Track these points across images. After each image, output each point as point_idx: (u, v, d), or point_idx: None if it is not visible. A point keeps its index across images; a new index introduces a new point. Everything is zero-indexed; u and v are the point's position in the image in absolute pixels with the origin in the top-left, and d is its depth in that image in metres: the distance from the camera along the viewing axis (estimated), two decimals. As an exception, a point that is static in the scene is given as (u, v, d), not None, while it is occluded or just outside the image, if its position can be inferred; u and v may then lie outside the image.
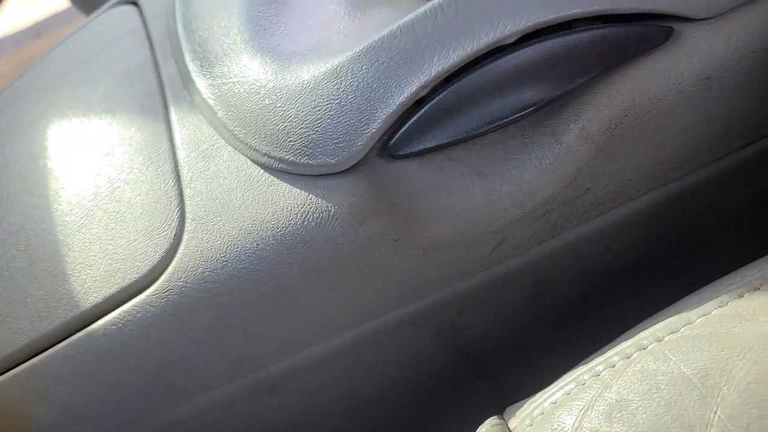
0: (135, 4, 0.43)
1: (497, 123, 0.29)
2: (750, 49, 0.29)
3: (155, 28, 0.39)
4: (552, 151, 0.30)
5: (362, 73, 0.28)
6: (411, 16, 0.28)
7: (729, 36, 0.29)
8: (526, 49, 0.28)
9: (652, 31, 0.29)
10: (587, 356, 0.29)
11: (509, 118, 0.29)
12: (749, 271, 0.28)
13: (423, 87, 0.28)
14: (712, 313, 0.26)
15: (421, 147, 0.29)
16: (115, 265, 0.32)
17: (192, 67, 0.34)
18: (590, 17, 0.28)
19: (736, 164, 0.33)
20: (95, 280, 0.32)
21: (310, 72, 0.30)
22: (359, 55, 0.29)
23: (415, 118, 0.29)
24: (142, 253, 0.32)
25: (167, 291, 0.31)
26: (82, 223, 0.34)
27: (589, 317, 0.37)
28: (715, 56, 0.29)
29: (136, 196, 0.33)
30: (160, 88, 0.36)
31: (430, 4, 0.28)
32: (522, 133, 0.31)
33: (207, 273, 0.31)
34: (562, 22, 0.28)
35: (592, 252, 0.34)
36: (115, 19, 0.42)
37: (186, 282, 0.31)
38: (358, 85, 0.29)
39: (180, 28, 0.36)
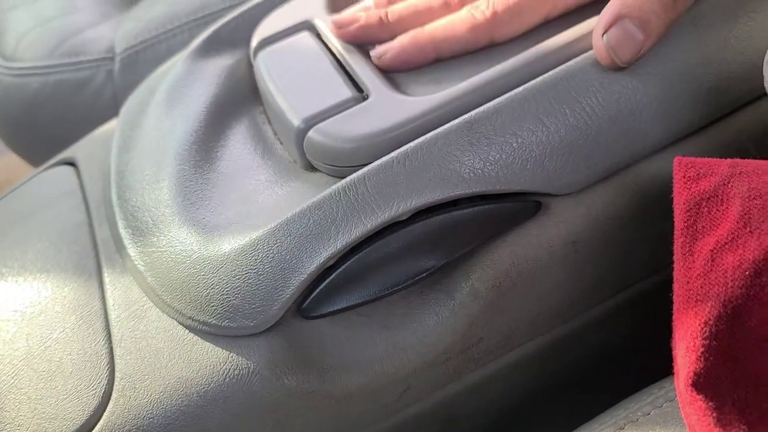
0: (73, 164, 0.46)
1: (397, 287, 0.33)
2: (607, 216, 0.35)
3: (91, 192, 0.42)
4: (447, 307, 0.34)
5: (277, 246, 0.32)
6: (319, 197, 0.33)
7: (589, 207, 0.34)
8: (418, 224, 0.33)
9: (524, 206, 0.34)
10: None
11: (407, 283, 0.33)
12: (629, 404, 0.32)
13: (330, 257, 0.32)
14: (593, 449, 0.30)
15: (331, 308, 0.33)
16: (44, 425, 0.34)
17: (124, 234, 0.37)
18: (472, 196, 0.33)
19: (609, 310, 0.38)
20: (24, 440, 0.34)
21: (231, 244, 0.33)
22: (275, 230, 0.33)
23: (324, 284, 0.33)
24: (71, 412, 0.34)
25: (95, 449, 0.33)
26: (13, 383, 0.35)
27: (494, 450, 0.40)
28: (579, 224, 0.34)
29: (67, 355, 0.35)
30: (94, 250, 0.39)
31: (335, 186, 0.33)
32: (420, 291, 0.35)
33: (134, 429, 0.33)
34: (448, 201, 0.33)
35: (492, 391, 0.38)
36: (53, 179, 0.46)
37: (113, 439, 0.33)
38: (273, 257, 0.32)
39: (114, 197, 0.39)
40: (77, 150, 0.47)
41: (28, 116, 0.60)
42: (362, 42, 0.39)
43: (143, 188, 0.38)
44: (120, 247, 0.37)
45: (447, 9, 0.38)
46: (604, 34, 0.32)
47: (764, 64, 0.29)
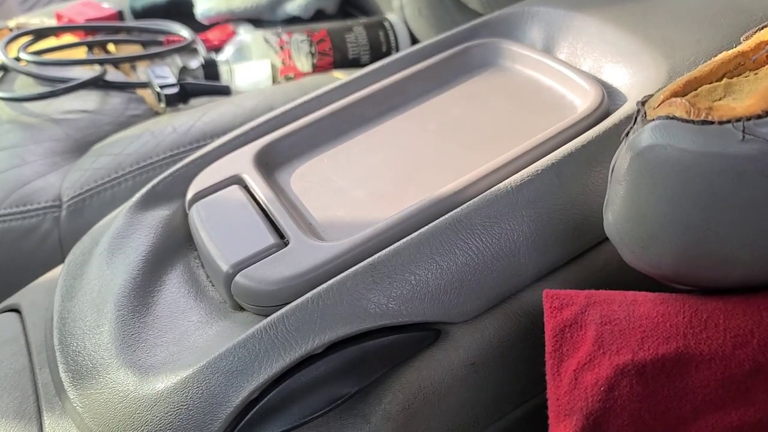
0: (17, 311, 0.49)
1: (317, 414, 0.37)
2: (500, 339, 0.40)
3: (34, 337, 0.45)
4: (363, 430, 0.38)
5: (206, 383, 0.36)
6: (243, 335, 0.37)
7: (483, 331, 0.39)
8: (333, 355, 0.37)
9: (426, 334, 0.39)
10: None
11: (326, 409, 0.37)
12: None
13: (255, 391, 0.36)
14: None
15: (257, 437, 0.36)
16: None
17: (65, 378, 0.40)
18: (379, 328, 0.38)
19: (511, 423, 0.42)
20: None
21: (164, 383, 0.37)
22: (203, 369, 0.36)
23: (250, 415, 0.36)
24: None
25: None
26: None
27: None
28: (476, 347, 0.39)
29: (6, 499, 0.37)
30: (35, 395, 0.41)
31: (257, 326, 0.37)
32: (339, 417, 0.38)
33: None
34: (358, 334, 0.37)
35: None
36: (-3, 326, 0.48)
37: None
38: (202, 393, 0.36)
39: (56, 342, 0.42)
40: (21, 297, 0.50)
41: (-25, 263, 0.63)
42: None
43: (84, 333, 0.41)
44: (60, 390, 0.40)
45: None
46: None
47: (603, 208, 0.35)
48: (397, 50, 0.88)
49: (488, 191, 0.40)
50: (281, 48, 0.83)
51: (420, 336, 0.39)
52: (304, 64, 0.84)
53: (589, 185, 0.41)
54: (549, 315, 0.34)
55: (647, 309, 0.33)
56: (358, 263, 0.38)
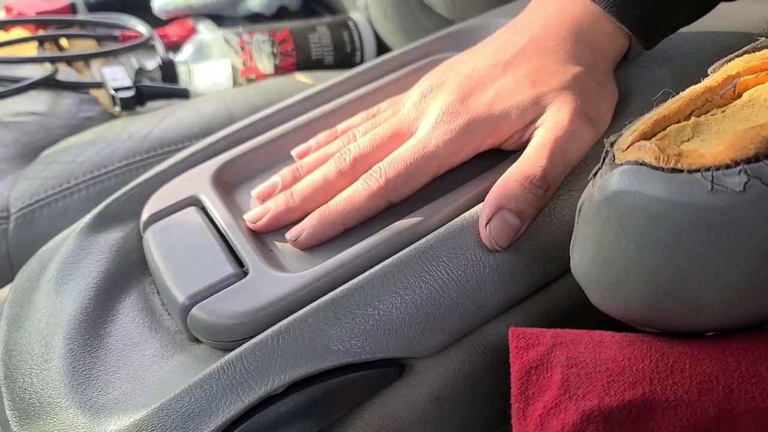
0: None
1: (278, 457, 0.36)
2: (465, 372, 0.39)
3: (-21, 370, 0.43)
4: (326, 469, 0.37)
5: (161, 426, 0.35)
6: (200, 375, 0.35)
7: (448, 365, 0.39)
8: (293, 395, 0.36)
9: (390, 370, 0.38)
10: None
11: (286, 452, 0.36)
12: None
13: (212, 434, 0.35)
14: None
15: (214, 482, 0.35)
16: None
17: (11, 416, 0.38)
18: (342, 366, 0.36)
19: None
20: None
21: (117, 425, 0.35)
22: (158, 411, 0.35)
23: (206, 459, 0.35)
24: None
25: None
26: None
27: None
28: (441, 381, 0.38)
29: None
30: (-21, 432, 0.39)
31: (214, 365, 0.35)
32: (301, 456, 0.37)
33: None
34: (320, 372, 0.36)
35: None
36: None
37: None
38: (156, 437, 0.34)
39: (1, 376, 0.40)
40: (-34, 322, 0.47)
41: None
42: (277, 228, 0.43)
43: (31, 369, 0.39)
44: (6, 429, 0.38)
45: (343, 178, 0.43)
46: (486, 224, 0.37)
47: (570, 248, 0.34)
48: (362, 51, 0.87)
49: (454, 220, 0.39)
50: (242, 48, 0.81)
51: (384, 372, 0.38)
52: (265, 65, 0.82)
53: (555, 214, 0.40)
54: (515, 355, 0.34)
55: (613, 352, 0.32)
56: (320, 297, 0.37)
